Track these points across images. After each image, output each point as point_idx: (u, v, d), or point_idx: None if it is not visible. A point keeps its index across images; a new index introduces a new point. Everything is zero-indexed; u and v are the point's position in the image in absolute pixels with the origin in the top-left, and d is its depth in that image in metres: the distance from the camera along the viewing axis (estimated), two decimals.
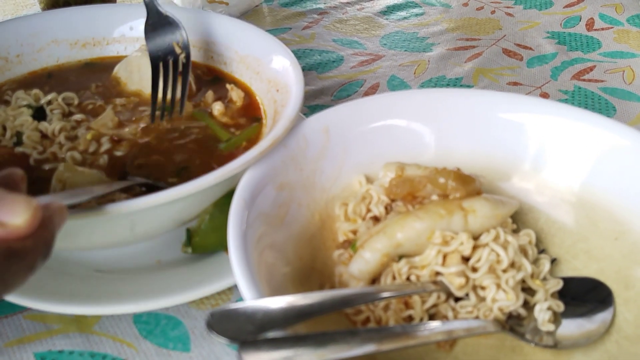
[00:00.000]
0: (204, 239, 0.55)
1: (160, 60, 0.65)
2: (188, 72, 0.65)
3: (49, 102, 0.65)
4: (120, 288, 0.53)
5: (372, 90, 0.86)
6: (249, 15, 1.07)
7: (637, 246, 0.52)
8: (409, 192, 0.54)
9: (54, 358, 0.50)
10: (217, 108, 0.64)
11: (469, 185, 0.53)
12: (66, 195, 0.47)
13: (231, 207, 0.46)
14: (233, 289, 0.56)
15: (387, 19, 1.06)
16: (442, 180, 0.53)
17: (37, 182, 0.55)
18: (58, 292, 0.52)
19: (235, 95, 0.66)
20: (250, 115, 0.65)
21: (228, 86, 0.67)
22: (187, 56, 0.65)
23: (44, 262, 0.38)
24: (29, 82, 0.70)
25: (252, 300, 0.39)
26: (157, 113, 0.63)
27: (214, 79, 0.71)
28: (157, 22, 0.67)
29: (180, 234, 0.56)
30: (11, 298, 0.50)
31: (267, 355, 0.35)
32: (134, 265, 0.56)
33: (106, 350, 0.50)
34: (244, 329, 0.36)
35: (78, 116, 0.63)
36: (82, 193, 0.48)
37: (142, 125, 0.62)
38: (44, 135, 0.61)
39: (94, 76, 0.72)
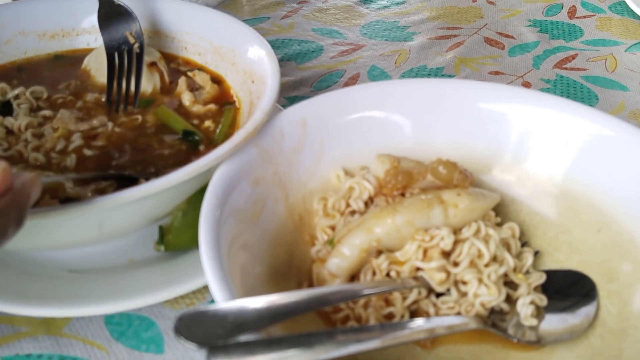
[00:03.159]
0: (177, 237, 0.53)
1: (115, 51, 0.64)
2: (142, 63, 0.64)
3: (17, 97, 0.63)
4: (91, 288, 0.51)
5: (353, 80, 0.84)
6: (227, 4, 1.04)
7: (620, 238, 0.51)
8: (405, 184, 0.53)
9: None
10: (187, 98, 0.62)
11: (467, 177, 0.52)
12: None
13: (203, 205, 0.44)
14: (209, 287, 0.54)
15: (367, 7, 1.04)
16: (443, 171, 0.52)
17: None
18: (25, 294, 0.50)
19: (200, 79, 0.64)
20: (221, 101, 0.63)
21: (190, 73, 0.65)
22: (141, 46, 0.64)
23: (16, 230, 0.37)
24: None
25: (224, 302, 0.37)
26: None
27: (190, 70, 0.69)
28: (109, 12, 0.65)
29: (154, 232, 0.54)
30: None
31: None
32: (105, 265, 0.55)
33: (76, 354, 0.49)
34: (213, 332, 0.34)
35: (46, 112, 0.61)
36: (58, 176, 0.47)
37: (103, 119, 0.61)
38: (9, 131, 0.59)
39: (64, 69, 0.70)
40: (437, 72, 0.86)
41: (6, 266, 0.52)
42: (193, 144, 0.58)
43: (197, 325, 0.34)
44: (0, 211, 0.35)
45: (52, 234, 0.47)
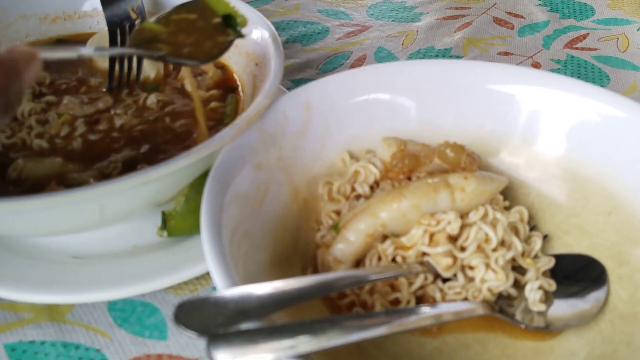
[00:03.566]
0: (180, 222, 0.52)
1: (117, 27, 0.63)
2: None
3: None
4: (94, 274, 0.51)
5: (359, 62, 0.83)
6: None
7: (631, 221, 0.50)
8: (411, 168, 0.52)
9: (25, 349, 0.48)
10: (190, 83, 0.61)
11: (475, 160, 0.51)
12: (48, 48, 0.43)
13: (204, 190, 0.44)
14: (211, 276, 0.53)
15: None
16: (451, 154, 0.51)
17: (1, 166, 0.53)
18: (28, 280, 0.50)
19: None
20: (224, 85, 0.62)
21: None
22: (143, 21, 0.63)
23: (5, 116, 0.33)
24: None
25: (225, 289, 0.36)
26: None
27: None
28: None
29: (156, 217, 0.54)
30: None
31: (239, 349, 0.32)
32: (108, 250, 0.54)
33: (79, 340, 0.48)
34: (214, 320, 0.34)
35: (50, 97, 0.60)
36: (66, 49, 0.43)
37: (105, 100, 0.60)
38: (12, 118, 0.58)
39: None
40: (445, 53, 0.84)
41: (9, 252, 0.52)
42: (233, 28, 0.55)
43: (198, 313, 0.34)
44: None
45: (54, 219, 0.46)
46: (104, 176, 0.52)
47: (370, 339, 0.40)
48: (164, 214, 0.53)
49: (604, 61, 0.83)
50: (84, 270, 0.51)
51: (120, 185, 0.43)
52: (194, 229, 0.52)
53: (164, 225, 0.52)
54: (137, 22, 0.64)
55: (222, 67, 0.65)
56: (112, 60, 0.63)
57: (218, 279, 0.37)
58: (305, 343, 0.35)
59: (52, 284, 0.49)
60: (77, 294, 0.49)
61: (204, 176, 0.49)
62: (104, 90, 0.62)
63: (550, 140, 0.55)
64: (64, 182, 0.51)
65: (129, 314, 0.50)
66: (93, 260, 0.53)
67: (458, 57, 0.84)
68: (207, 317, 0.34)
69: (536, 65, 0.82)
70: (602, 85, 0.76)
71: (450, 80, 0.57)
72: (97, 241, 0.54)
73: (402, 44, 0.87)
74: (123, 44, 0.63)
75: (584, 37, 0.88)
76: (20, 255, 0.52)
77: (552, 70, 0.80)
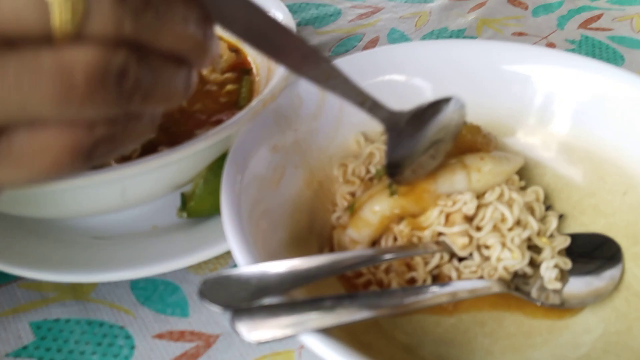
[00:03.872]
0: (199, 204, 0.53)
1: None
2: None
3: None
4: (117, 254, 0.52)
5: (372, 44, 0.83)
6: None
7: None
8: None
9: (50, 327, 0.49)
10: (205, 68, 0.62)
11: (491, 141, 0.51)
12: None
13: (223, 171, 0.44)
14: (231, 253, 0.54)
15: None
16: (467, 135, 0.51)
17: None
18: (53, 260, 0.51)
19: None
20: (238, 68, 0.63)
21: None
22: None
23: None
24: None
25: (247, 266, 0.37)
26: None
27: None
28: None
29: (176, 199, 0.55)
30: (4, 267, 0.49)
31: (262, 322, 0.33)
32: (129, 231, 0.55)
33: (103, 318, 0.50)
34: (237, 296, 0.34)
35: None
36: None
37: None
38: None
39: None
40: (459, 34, 0.84)
41: (34, 234, 0.53)
42: None
43: (221, 289, 0.35)
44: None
45: (76, 201, 0.47)
46: (124, 159, 0.53)
47: (386, 315, 0.41)
48: (183, 196, 0.54)
49: (619, 41, 0.82)
50: (107, 251, 0.52)
51: (142, 166, 0.44)
52: (213, 210, 0.53)
53: (184, 206, 0.53)
54: None
55: (236, 51, 0.65)
56: None
57: (239, 256, 0.38)
58: (324, 318, 0.36)
59: (75, 264, 0.50)
60: (101, 274, 0.50)
61: (221, 159, 0.50)
62: None
63: (566, 120, 0.55)
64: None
65: (152, 292, 0.52)
66: (115, 241, 0.54)
67: (472, 38, 0.84)
68: (231, 293, 0.34)
69: (551, 46, 0.82)
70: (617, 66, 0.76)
71: (465, 60, 0.57)
72: (119, 222, 0.56)
73: (415, 26, 0.86)
74: None
75: (598, 17, 0.87)
76: (45, 237, 0.53)
77: (567, 51, 0.80)
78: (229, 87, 0.61)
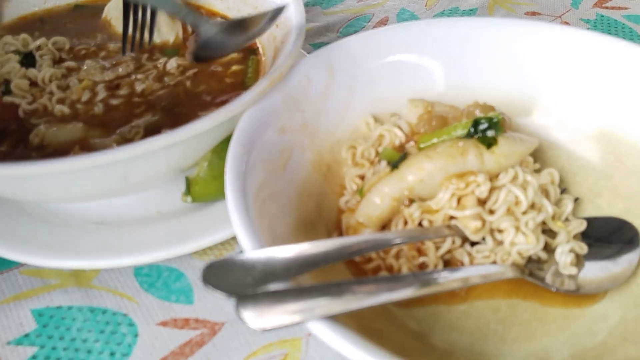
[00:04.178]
0: (203, 188, 0.52)
1: None
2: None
3: (39, 48, 0.61)
4: (120, 240, 0.51)
5: (381, 25, 0.81)
6: None
7: None
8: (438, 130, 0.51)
9: (52, 314, 0.48)
10: None
11: (506, 122, 0.50)
12: None
13: (228, 153, 0.43)
14: (236, 237, 0.53)
15: None
16: (480, 115, 0.49)
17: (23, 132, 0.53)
18: (55, 246, 0.50)
19: None
20: (244, 49, 0.61)
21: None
22: None
23: None
24: (20, 28, 0.67)
25: (252, 251, 0.36)
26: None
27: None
28: None
29: (180, 184, 0.53)
30: (5, 253, 0.48)
31: (267, 309, 0.32)
32: (133, 216, 0.54)
33: (106, 305, 0.49)
34: (242, 281, 0.33)
35: (70, 63, 0.60)
36: None
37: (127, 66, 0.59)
38: (33, 83, 0.58)
39: (85, 20, 0.68)
40: (470, 14, 0.82)
41: (35, 219, 0.52)
42: None
43: (225, 275, 0.33)
44: None
45: (80, 184, 0.46)
46: (127, 141, 0.51)
47: (396, 301, 0.40)
48: (187, 180, 0.52)
49: (635, 20, 0.80)
50: (110, 236, 0.51)
51: (144, 148, 0.43)
52: (218, 195, 0.52)
53: (188, 190, 0.52)
54: None
55: None
56: (125, 22, 0.61)
57: (244, 240, 0.37)
58: (332, 305, 0.34)
59: (78, 250, 0.49)
60: (104, 259, 0.49)
61: (226, 142, 0.48)
62: (122, 54, 0.61)
63: (582, 101, 0.53)
64: (87, 147, 0.51)
65: (155, 278, 0.51)
66: (119, 226, 0.53)
67: None
68: (235, 278, 0.33)
69: None
70: None
71: (477, 39, 0.55)
72: (123, 207, 0.54)
73: (426, 5, 0.84)
74: (136, 13, 0.61)
75: None
76: (47, 222, 0.52)
77: None
78: (235, 67, 0.59)
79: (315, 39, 0.78)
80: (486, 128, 0.47)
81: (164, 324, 0.47)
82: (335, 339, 0.32)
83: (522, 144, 0.49)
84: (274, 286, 0.34)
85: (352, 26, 0.81)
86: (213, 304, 0.48)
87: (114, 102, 0.56)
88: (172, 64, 0.59)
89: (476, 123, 0.47)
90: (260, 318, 0.32)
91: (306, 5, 0.85)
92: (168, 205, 0.54)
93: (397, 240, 0.45)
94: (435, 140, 0.49)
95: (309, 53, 0.69)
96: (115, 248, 0.50)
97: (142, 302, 0.49)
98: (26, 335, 0.47)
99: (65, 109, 0.55)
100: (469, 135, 0.48)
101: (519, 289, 0.47)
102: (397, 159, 0.49)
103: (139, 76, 0.58)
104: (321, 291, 0.35)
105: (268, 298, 0.33)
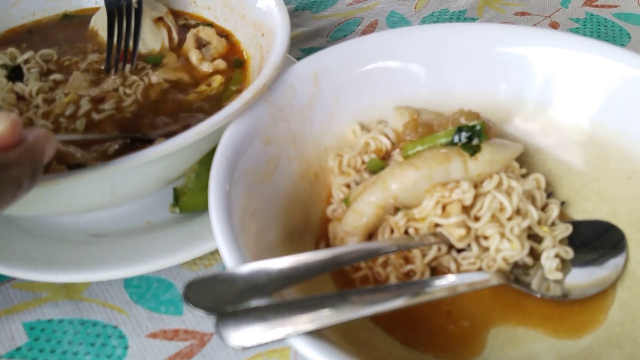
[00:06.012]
0: (191, 199, 0.52)
1: (115, 7, 0.62)
2: (140, 18, 0.62)
3: (27, 61, 0.62)
4: (110, 252, 0.51)
5: (370, 28, 0.81)
6: None
7: None
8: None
9: (43, 327, 0.48)
10: (195, 56, 0.61)
11: (490, 128, 0.50)
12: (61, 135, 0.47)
13: (212, 167, 0.43)
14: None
15: None
16: (466, 122, 0.49)
17: None
18: (45, 260, 0.50)
19: (205, 34, 0.62)
20: (231, 58, 0.61)
21: (193, 30, 0.63)
22: (139, 1, 0.62)
23: (31, 184, 0.37)
24: (8, 40, 0.67)
25: (234, 267, 0.36)
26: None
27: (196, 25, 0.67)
28: None
29: (169, 194, 0.54)
30: None
31: (247, 327, 0.32)
32: (122, 228, 0.54)
33: (97, 317, 0.49)
34: (224, 298, 0.34)
35: (57, 76, 0.60)
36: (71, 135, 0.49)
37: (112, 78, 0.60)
38: (20, 97, 0.58)
39: (73, 30, 0.69)
40: (460, 16, 0.82)
41: (24, 232, 0.53)
42: None
43: (207, 292, 0.34)
44: (14, 162, 0.35)
45: (65, 200, 0.47)
46: (106, 156, 0.51)
47: (381, 314, 0.40)
48: (175, 191, 0.53)
49: (625, 19, 0.80)
50: (100, 248, 0.52)
51: (129, 163, 0.43)
52: (206, 205, 0.52)
53: (176, 201, 0.53)
54: (134, 0, 0.63)
55: (226, 36, 0.64)
56: (110, 32, 0.62)
57: (227, 257, 0.37)
58: (314, 319, 0.34)
59: (68, 263, 0.50)
60: (94, 272, 0.49)
61: (213, 153, 0.48)
62: (102, 67, 0.61)
63: (567, 104, 0.53)
64: (66, 161, 0.51)
65: (145, 290, 0.51)
66: (108, 238, 0.53)
67: (473, 19, 0.81)
68: (217, 295, 0.33)
69: (554, 25, 0.79)
70: (622, 44, 0.74)
71: (461, 44, 0.55)
72: (112, 219, 0.55)
73: (415, 8, 0.84)
74: (120, 24, 0.62)
75: None
76: (36, 235, 0.53)
77: (571, 30, 0.78)
78: (219, 78, 0.59)
79: (305, 43, 0.79)
80: (469, 136, 0.47)
81: (154, 335, 0.48)
82: (317, 355, 0.32)
83: (506, 150, 0.49)
84: (256, 302, 0.35)
85: (341, 30, 0.81)
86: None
87: (96, 116, 0.56)
88: (155, 79, 0.59)
89: (459, 131, 0.48)
90: (240, 336, 0.32)
91: (296, 9, 0.85)
92: (157, 216, 0.55)
93: (384, 249, 0.45)
94: (419, 147, 0.49)
95: (298, 58, 0.69)
96: (106, 260, 0.50)
97: (132, 313, 0.49)
98: (18, 349, 0.47)
99: (49, 124, 0.55)
100: (452, 143, 0.48)
101: (505, 293, 0.47)
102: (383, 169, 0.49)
103: (127, 91, 0.58)
104: (303, 306, 0.35)
105: (249, 315, 0.33)
